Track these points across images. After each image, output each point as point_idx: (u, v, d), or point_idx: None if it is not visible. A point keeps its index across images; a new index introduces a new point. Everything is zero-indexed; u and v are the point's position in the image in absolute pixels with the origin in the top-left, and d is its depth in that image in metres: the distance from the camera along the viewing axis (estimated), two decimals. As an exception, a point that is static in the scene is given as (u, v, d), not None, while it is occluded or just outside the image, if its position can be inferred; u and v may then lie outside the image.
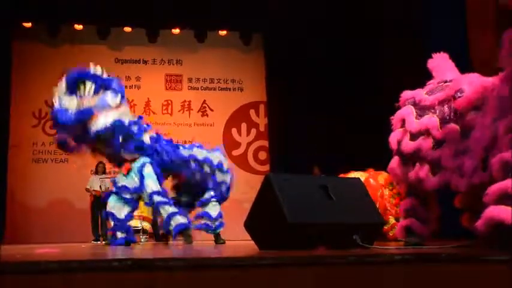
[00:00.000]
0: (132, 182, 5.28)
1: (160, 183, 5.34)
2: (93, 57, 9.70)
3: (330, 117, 8.82)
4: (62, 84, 5.17)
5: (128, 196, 5.28)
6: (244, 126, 10.33)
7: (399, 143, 3.14)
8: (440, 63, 3.27)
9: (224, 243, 5.72)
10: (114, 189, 5.38)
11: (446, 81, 3.07)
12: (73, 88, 5.12)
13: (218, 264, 1.83)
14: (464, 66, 3.29)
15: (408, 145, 3.04)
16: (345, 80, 8.68)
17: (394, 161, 3.21)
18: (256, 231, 3.05)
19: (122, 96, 5.36)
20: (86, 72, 5.30)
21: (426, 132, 2.97)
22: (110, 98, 5.18)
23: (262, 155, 10.27)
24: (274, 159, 9.85)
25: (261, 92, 10.23)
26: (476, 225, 2.26)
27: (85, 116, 4.99)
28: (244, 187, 9.68)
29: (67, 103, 5.02)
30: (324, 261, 1.84)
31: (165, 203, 5.19)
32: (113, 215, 5.22)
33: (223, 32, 9.98)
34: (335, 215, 2.89)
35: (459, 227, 3.10)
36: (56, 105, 5.07)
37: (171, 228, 5.10)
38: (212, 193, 6.04)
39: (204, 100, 10.21)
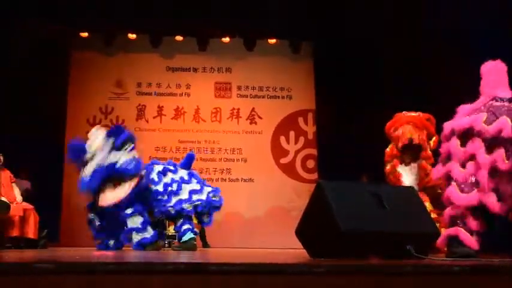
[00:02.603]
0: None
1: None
2: (146, 65, 10.06)
3: (379, 126, 8.71)
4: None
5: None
6: (292, 134, 10.32)
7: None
8: (493, 74, 3.11)
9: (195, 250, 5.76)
10: None
11: (502, 100, 2.95)
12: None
13: (274, 270, 1.84)
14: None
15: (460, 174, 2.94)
16: (395, 88, 8.56)
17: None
18: (307, 239, 3.04)
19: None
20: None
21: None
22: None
23: (310, 163, 10.23)
24: (322, 167, 9.80)
25: (309, 100, 10.21)
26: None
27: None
28: (292, 195, 9.69)
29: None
30: (380, 271, 1.82)
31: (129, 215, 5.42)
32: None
33: (272, 41, 10.04)
34: (388, 224, 2.85)
35: (507, 242, 2.99)
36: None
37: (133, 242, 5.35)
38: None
39: (253, 108, 10.27)
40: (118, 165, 5.31)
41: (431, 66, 8.02)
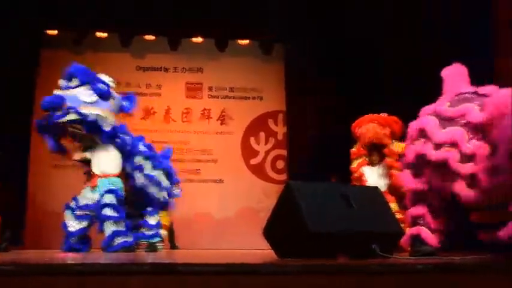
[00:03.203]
0: (93, 198, 5.30)
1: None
2: (116, 65, 9.94)
3: (349, 127, 8.82)
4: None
5: (86, 213, 5.31)
6: (262, 135, 10.36)
7: (419, 155, 3.12)
8: (454, 75, 3.25)
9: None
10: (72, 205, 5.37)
11: (467, 93, 3.06)
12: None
13: (242, 270, 1.86)
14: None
15: (435, 155, 3.00)
16: (366, 90, 8.68)
17: (407, 172, 3.19)
18: (275, 239, 3.07)
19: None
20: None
21: (453, 145, 2.94)
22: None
23: (280, 164, 10.28)
24: (291, 168, 9.86)
25: (280, 102, 10.26)
26: (499, 235, 2.26)
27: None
28: (261, 196, 9.73)
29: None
30: (346, 270, 1.87)
31: (113, 218, 5.21)
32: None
33: (244, 42, 10.06)
34: (355, 224, 2.90)
35: (467, 241, 3.08)
36: None
37: (113, 245, 5.12)
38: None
39: (224, 109, 10.28)
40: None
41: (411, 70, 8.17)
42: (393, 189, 5.71)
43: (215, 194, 9.83)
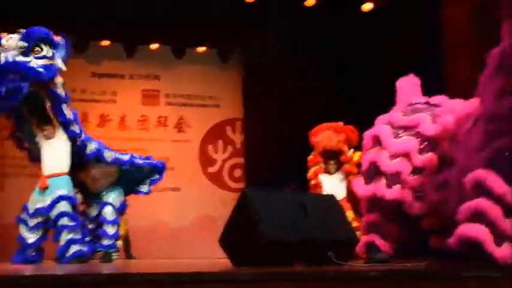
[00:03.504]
0: (44, 201, 4.98)
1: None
2: (70, 71, 9.65)
3: (305, 136, 8.90)
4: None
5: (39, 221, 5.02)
6: (220, 143, 10.35)
7: (372, 163, 3.16)
8: (407, 86, 3.33)
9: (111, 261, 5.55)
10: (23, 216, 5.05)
11: (419, 103, 3.13)
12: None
13: (197, 279, 1.84)
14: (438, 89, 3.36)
15: (388, 166, 3.05)
16: (320, 99, 8.78)
17: (361, 180, 3.23)
18: (231, 248, 3.05)
19: None
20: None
21: (405, 156, 3.00)
22: None
23: (238, 172, 10.29)
24: (249, 176, 9.87)
25: (237, 109, 10.28)
26: (449, 242, 2.30)
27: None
28: (218, 205, 9.68)
29: None
30: (301, 277, 1.86)
31: (69, 228, 4.95)
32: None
33: (201, 49, 10.03)
34: (311, 232, 2.92)
35: (420, 248, 3.13)
36: None
37: (67, 255, 4.85)
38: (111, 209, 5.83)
39: (181, 116, 10.21)
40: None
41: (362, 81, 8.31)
42: (350, 196, 5.78)
43: (172, 203, 9.74)
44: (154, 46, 9.79)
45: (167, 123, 10.17)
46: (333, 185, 6.11)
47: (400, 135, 3.07)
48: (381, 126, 3.19)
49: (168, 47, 9.88)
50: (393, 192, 3.00)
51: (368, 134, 3.28)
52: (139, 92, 10.09)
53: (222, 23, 8.85)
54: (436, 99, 3.13)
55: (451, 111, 2.86)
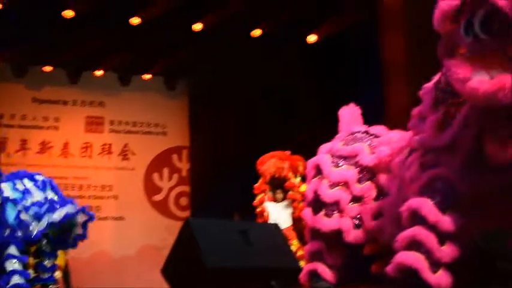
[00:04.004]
0: None
1: None
2: (9, 96, 9.46)
3: (252, 164, 8.95)
4: None
5: None
6: (166, 171, 10.24)
7: (315, 192, 3.20)
8: (348, 115, 3.43)
9: None
10: None
11: (359, 132, 3.21)
12: None
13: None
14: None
15: (328, 195, 3.10)
16: (266, 127, 8.86)
17: (308, 209, 3.26)
18: (174, 277, 3.01)
19: None
20: None
21: (345, 185, 3.06)
22: None
23: (184, 201, 10.19)
24: (195, 205, 9.79)
25: (184, 137, 10.22)
26: (387, 270, 2.35)
27: None
28: (164, 234, 9.51)
29: None
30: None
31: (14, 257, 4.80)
32: None
33: (147, 76, 9.96)
34: (254, 261, 2.91)
35: (362, 275, 3.18)
36: None
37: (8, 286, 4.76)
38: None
39: (126, 144, 10.05)
40: None
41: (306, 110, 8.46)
42: (296, 224, 5.83)
43: (115, 232, 9.52)
44: (99, 73, 9.66)
45: (111, 150, 9.99)
46: (278, 213, 6.15)
47: (340, 164, 3.14)
48: (322, 155, 3.25)
49: (113, 74, 9.77)
50: (331, 223, 3.05)
51: (310, 163, 3.34)
52: (83, 119, 9.89)
53: (168, 50, 8.86)
54: (375, 129, 3.23)
55: (387, 142, 2.96)
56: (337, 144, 3.24)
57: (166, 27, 8.07)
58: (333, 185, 3.09)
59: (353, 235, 2.99)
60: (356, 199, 3.01)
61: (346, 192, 3.04)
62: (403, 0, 5.26)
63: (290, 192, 6.08)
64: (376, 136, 3.14)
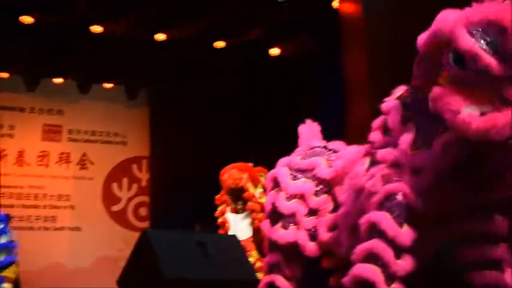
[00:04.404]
0: None
1: None
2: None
3: (214, 174, 8.91)
4: None
5: None
6: (125, 181, 10.13)
7: (272, 204, 3.22)
8: (308, 130, 3.48)
9: None
10: None
11: (318, 147, 3.25)
12: None
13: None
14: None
15: (285, 207, 3.11)
16: (228, 139, 8.86)
17: (267, 221, 3.28)
18: (131, 289, 2.97)
19: None
20: None
21: (301, 197, 3.08)
22: None
23: (143, 211, 10.09)
24: (155, 215, 9.69)
25: (144, 147, 10.14)
26: (343, 282, 2.37)
27: None
28: (122, 244, 9.37)
29: None
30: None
31: None
32: None
33: (108, 85, 9.84)
34: (211, 272, 2.91)
35: (320, 287, 3.19)
36: None
37: None
38: None
39: (84, 153, 9.89)
40: None
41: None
42: (255, 236, 5.84)
43: (71, 243, 9.34)
44: (58, 80, 9.48)
45: (69, 159, 9.82)
46: (239, 224, 6.15)
47: (297, 177, 3.16)
48: (280, 168, 3.27)
49: (73, 82, 9.62)
50: (288, 235, 3.06)
51: (269, 176, 3.36)
52: (40, 127, 9.68)
53: (130, 59, 8.77)
54: (333, 144, 3.27)
55: (343, 157, 3.00)
56: (295, 158, 3.27)
57: (129, 36, 8.01)
58: (290, 197, 3.11)
59: (309, 248, 3.00)
60: (312, 212, 3.03)
61: (302, 204, 3.06)
62: (365, 17, 5.37)
63: (249, 203, 6.10)
64: (335, 151, 3.18)
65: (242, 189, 6.07)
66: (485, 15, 2.00)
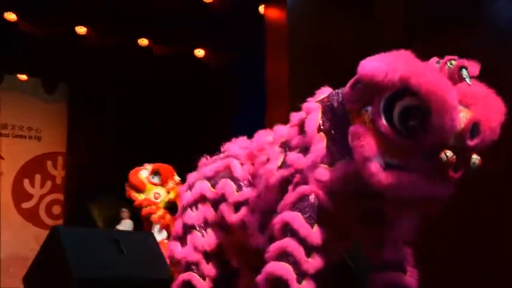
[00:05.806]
0: None
1: None
2: None
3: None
4: None
5: None
6: (38, 177, 9.78)
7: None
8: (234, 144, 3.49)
9: None
10: None
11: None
12: None
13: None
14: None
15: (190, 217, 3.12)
16: (146, 139, 8.76)
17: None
18: (37, 286, 2.87)
19: None
20: None
21: (202, 199, 3.10)
22: None
23: (57, 209, 9.79)
24: (69, 214, 9.40)
25: (60, 144, 9.81)
26: (257, 280, 2.41)
27: None
28: (33, 243, 9.00)
29: None
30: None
31: None
32: None
33: (23, 77, 9.42)
34: (125, 270, 2.86)
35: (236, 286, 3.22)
36: None
37: None
38: None
39: (-5, 146, 9.44)
40: None
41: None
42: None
43: (-24, 241, 8.87)
44: (-33, 69, 8.97)
45: (-22, 153, 9.34)
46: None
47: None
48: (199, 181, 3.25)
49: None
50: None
51: (182, 189, 3.35)
52: None
53: (48, 53, 8.43)
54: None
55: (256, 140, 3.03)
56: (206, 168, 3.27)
57: (47, 25, 7.72)
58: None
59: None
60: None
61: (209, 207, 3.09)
62: (288, 23, 5.47)
63: (144, 209, 6.36)
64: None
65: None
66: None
